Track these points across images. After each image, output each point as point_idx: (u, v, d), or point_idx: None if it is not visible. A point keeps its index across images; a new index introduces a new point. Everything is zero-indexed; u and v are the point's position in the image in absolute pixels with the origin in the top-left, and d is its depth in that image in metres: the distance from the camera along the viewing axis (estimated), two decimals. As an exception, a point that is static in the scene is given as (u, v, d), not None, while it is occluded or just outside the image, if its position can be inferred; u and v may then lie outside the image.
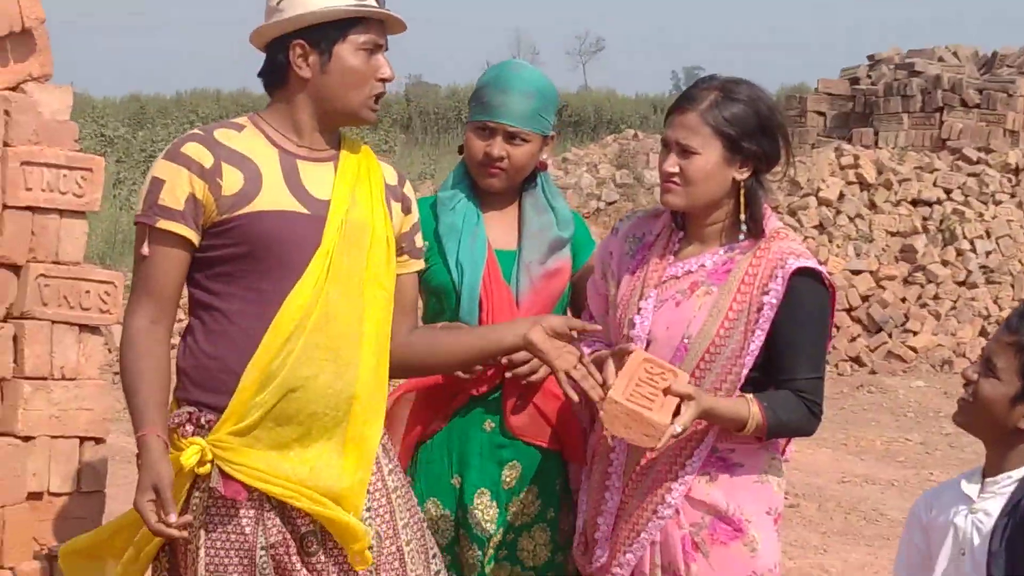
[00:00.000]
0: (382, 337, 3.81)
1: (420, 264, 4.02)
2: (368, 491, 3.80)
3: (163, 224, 3.66)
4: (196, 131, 3.76)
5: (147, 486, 3.57)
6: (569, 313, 4.43)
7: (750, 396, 3.90)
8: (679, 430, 3.77)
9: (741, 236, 4.00)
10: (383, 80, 3.79)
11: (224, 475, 3.66)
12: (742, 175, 3.97)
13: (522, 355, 4.12)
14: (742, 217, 3.99)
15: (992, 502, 3.61)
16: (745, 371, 3.91)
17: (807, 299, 3.94)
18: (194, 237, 3.68)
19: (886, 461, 11.05)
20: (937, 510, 3.76)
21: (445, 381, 4.23)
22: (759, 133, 3.97)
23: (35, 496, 4.53)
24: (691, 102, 3.95)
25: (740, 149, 3.94)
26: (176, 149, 3.70)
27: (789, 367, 3.95)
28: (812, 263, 3.96)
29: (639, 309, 3.99)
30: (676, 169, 3.94)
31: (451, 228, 4.29)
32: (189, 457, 3.64)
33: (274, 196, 3.70)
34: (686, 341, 3.92)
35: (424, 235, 4.22)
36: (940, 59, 20.20)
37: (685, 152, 3.93)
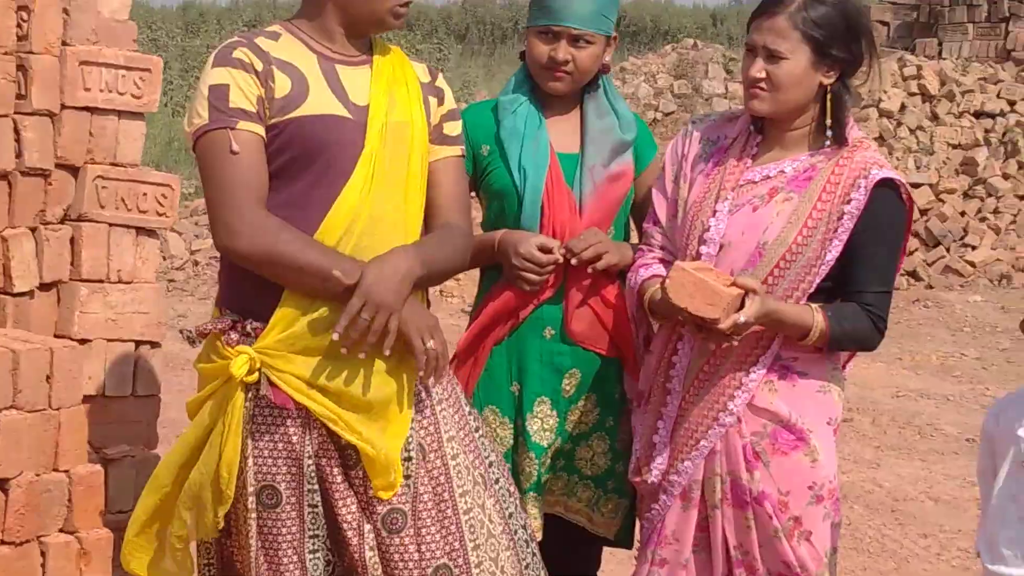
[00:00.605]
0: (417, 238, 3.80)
1: (453, 150, 3.92)
2: (414, 418, 3.78)
3: (244, 125, 3.61)
4: (238, 38, 3.73)
5: (425, 325, 3.65)
6: (631, 219, 4.39)
7: (815, 305, 3.86)
8: (743, 320, 3.73)
9: (826, 143, 3.93)
10: None
11: (271, 383, 3.65)
12: (829, 79, 3.91)
13: (582, 242, 4.13)
14: (827, 123, 3.93)
15: None
16: (818, 280, 3.87)
17: (886, 211, 3.90)
18: (265, 137, 3.65)
19: (941, 376, 10.97)
20: (1004, 422, 3.71)
21: (511, 299, 4.20)
22: (847, 36, 3.90)
23: (90, 399, 4.52)
24: (778, 5, 3.87)
25: (828, 54, 3.88)
26: (228, 55, 3.65)
27: (859, 279, 3.91)
28: (896, 175, 3.92)
29: (714, 212, 3.95)
30: (763, 75, 3.87)
31: (513, 132, 4.23)
32: (240, 367, 3.62)
33: (320, 100, 3.67)
34: (762, 246, 3.87)
35: (485, 139, 4.24)
36: (1006, -32, 19.89)
37: (773, 57, 3.86)
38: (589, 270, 4.17)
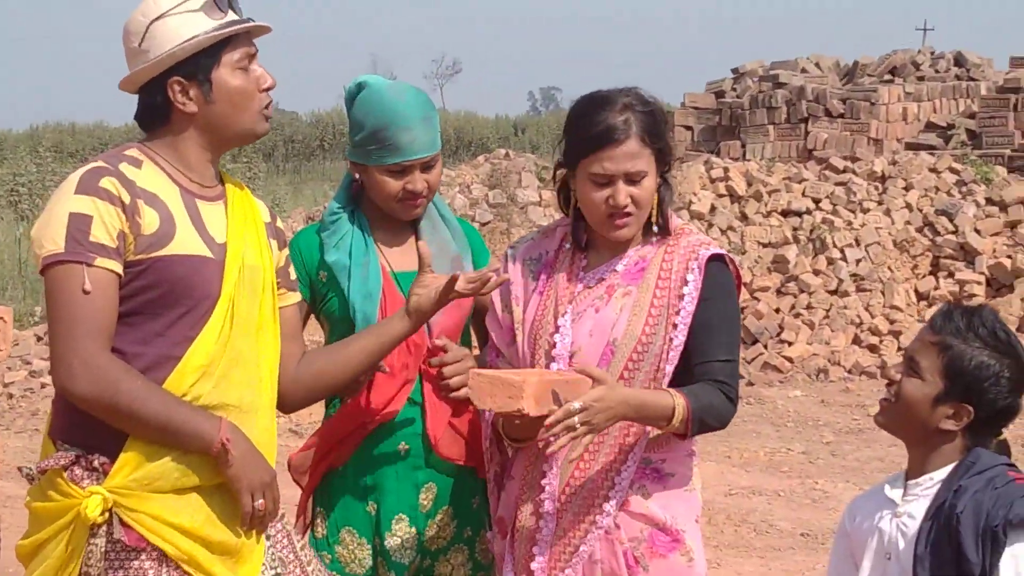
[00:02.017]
0: (275, 381, 3.77)
1: (297, 296, 3.94)
2: (269, 535, 3.75)
3: (101, 262, 3.47)
4: (102, 165, 3.58)
5: (258, 482, 3.61)
6: (473, 332, 4.36)
7: (669, 388, 3.84)
8: (578, 405, 3.64)
9: (655, 238, 3.97)
10: (267, 90, 3.70)
11: (123, 523, 3.52)
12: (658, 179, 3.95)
13: (453, 367, 4.12)
14: (653, 218, 3.95)
15: (915, 504, 3.60)
16: (671, 367, 3.87)
17: (719, 283, 3.93)
18: (122, 274, 3.53)
19: (770, 472, 11.07)
20: (861, 517, 3.74)
21: (352, 412, 4.14)
22: (668, 135, 3.97)
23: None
24: (622, 131, 3.84)
25: (664, 158, 3.93)
26: (93, 183, 3.51)
27: (704, 350, 3.90)
28: (722, 251, 3.97)
29: (557, 328, 3.93)
30: (630, 200, 3.87)
31: (339, 265, 4.17)
32: (93, 509, 3.48)
33: (187, 239, 3.59)
34: (612, 343, 3.87)
35: (320, 266, 4.19)
36: (803, 70, 20.51)
37: (633, 179, 3.86)
38: (452, 395, 4.14)
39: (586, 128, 3.88)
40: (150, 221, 3.54)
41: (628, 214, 3.88)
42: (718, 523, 9.50)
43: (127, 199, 3.51)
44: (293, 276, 3.93)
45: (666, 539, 3.93)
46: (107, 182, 3.52)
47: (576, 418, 3.64)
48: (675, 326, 3.87)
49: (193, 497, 3.57)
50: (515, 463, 4.05)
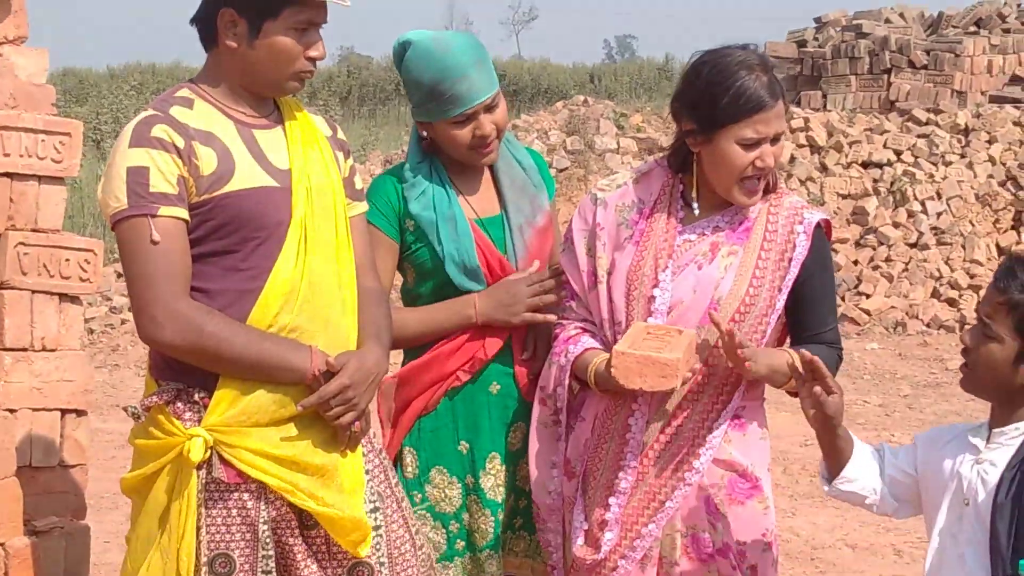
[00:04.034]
0: (355, 299, 3.76)
1: (363, 206, 3.92)
2: (368, 469, 3.77)
3: (165, 211, 3.50)
4: (153, 112, 3.58)
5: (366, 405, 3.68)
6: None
7: (789, 349, 3.86)
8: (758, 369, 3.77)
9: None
10: (312, 59, 3.65)
11: (223, 459, 3.56)
12: None
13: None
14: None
15: (999, 453, 3.56)
16: (771, 328, 3.86)
17: (824, 252, 3.96)
18: (188, 219, 3.55)
19: (846, 423, 10.94)
20: (942, 451, 3.69)
21: (445, 357, 4.14)
22: None
23: (17, 470, 4.39)
24: (774, 93, 3.80)
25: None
26: (145, 133, 3.52)
27: (820, 320, 3.95)
28: (826, 216, 3.96)
29: (657, 282, 3.89)
30: (772, 159, 3.86)
31: (425, 219, 4.14)
32: (196, 453, 3.53)
33: (248, 173, 3.59)
34: (717, 302, 3.85)
35: (404, 214, 4.15)
36: (887, 20, 20.29)
37: (775, 140, 3.84)
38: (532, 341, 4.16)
39: (736, 94, 3.78)
40: (208, 161, 3.54)
41: (763, 174, 3.86)
42: (793, 473, 9.49)
43: (181, 143, 3.52)
44: (359, 186, 3.90)
45: (745, 485, 3.93)
46: (159, 130, 3.53)
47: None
48: (779, 290, 3.87)
49: (291, 427, 3.60)
50: (586, 404, 4.03)
